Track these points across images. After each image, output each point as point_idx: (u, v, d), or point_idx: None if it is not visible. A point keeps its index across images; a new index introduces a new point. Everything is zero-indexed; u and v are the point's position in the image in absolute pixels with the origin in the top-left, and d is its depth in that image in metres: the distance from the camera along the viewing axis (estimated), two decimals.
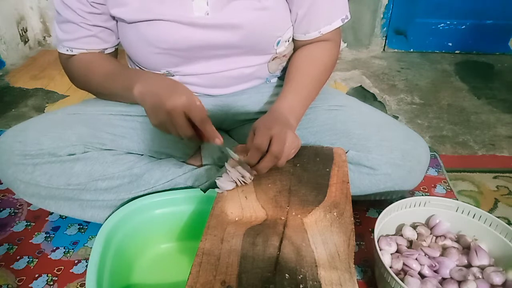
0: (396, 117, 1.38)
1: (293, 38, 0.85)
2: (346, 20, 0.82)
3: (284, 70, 0.91)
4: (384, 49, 1.94)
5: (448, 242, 0.75)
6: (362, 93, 1.55)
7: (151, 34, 0.76)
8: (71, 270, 0.78)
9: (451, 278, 0.69)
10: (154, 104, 0.66)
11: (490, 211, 0.95)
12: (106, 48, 0.83)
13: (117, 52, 0.88)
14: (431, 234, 0.77)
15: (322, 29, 0.81)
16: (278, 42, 0.82)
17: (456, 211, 0.77)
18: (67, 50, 0.81)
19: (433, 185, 1.02)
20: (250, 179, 0.69)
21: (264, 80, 0.90)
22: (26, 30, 1.86)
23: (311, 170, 0.72)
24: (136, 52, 0.81)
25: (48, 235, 0.87)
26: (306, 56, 0.83)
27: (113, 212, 0.76)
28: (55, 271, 0.78)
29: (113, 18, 0.79)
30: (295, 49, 0.87)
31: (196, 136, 0.67)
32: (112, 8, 0.75)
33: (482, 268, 0.70)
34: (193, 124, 0.65)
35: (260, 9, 0.75)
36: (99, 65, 0.80)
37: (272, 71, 0.88)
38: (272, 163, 0.66)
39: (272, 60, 0.86)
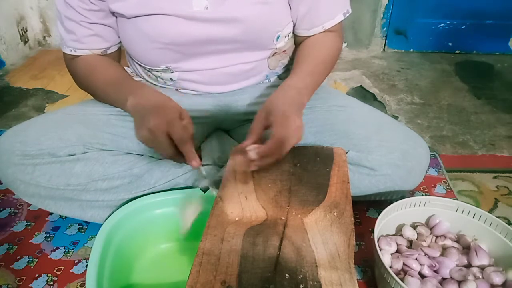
0: (396, 117, 1.38)
1: (295, 34, 0.85)
2: (347, 14, 0.83)
3: (285, 67, 0.91)
4: (384, 49, 1.94)
5: (448, 242, 0.75)
6: (362, 93, 1.55)
7: (151, 28, 0.76)
8: (71, 270, 0.78)
9: (451, 278, 0.69)
10: (139, 120, 0.68)
11: (490, 211, 0.95)
12: (109, 47, 0.83)
13: (120, 52, 0.88)
14: (431, 234, 0.77)
15: (325, 24, 0.82)
16: (278, 37, 0.82)
17: (456, 211, 0.77)
18: (71, 51, 0.81)
19: (433, 185, 1.02)
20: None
21: (264, 77, 0.90)
22: (26, 30, 1.86)
23: (311, 170, 0.72)
24: (135, 48, 0.81)
25: (48, 235, 0.87)
26: (312, 43, 0.83)
27: (113, 212, 0.76)
28: (55, 271, 0.78)
29: (113, 14, 0.79)
30: (297, 43, 0.87)
31: (178, 156, 0.67)
32: (111, 3, 0.76)
33: (482, 268, 0.70)
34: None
35: (260, 3, 0.75)
36: (101, 71, 0.81)
37: (272, 67, 0.89)
38: (277, 148, 0.65)
39: (272, 55, 0.86)
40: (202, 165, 0.86)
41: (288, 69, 0.92)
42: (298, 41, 0.87)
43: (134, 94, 0.73)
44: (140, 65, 0.87)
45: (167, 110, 0.66)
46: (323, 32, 0.83)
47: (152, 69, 0.84)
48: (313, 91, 0.80)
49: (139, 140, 0.68)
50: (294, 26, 0.84)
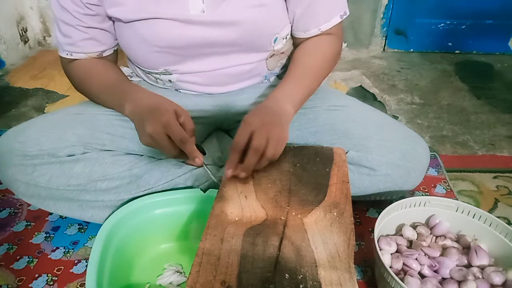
0: (396, 117, 1.38)
1: (293, 36, 0.85)
2: (344, 16, 0.82)
3: (284, 67, 0.91)
4: (384, 49, 1.94)
5: (448, 242, 0.75)
6: (362, 93, 1.55)
7: (148, 32, 0.76)
8: (71, 270, 0.78)
9: (451, 278, 0.69)
10: (139, 126, 0.70)
11: (490, 211, 0.95)
12: (104, 51, 0.83)
13: (117, 54, 0.88)
14: (431, 234, 0.77)
15: (322, 26, 0.81)
16: (276, 39, 0.81)
17: (456, 211, 0.77)
18: (67, 54, 0.81)
19: (433, 185, 1.02)
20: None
21: (263, 77, 0.90)
22: (26, 30, 1.86)
23: (311, 170, 0.72)
24: (134, 51, 0.81)
25: (48, 235, 0.87)
26: (306, 48, 0.83)
27: (113, 212, 0.76)
28: (55, 271, 0.78)
29: (110, 18, 0.79)
30: (296, 45, 0.87)
31: (183, 155, 0.69)
32: (108, 8, 0.76)
33: (482, 268, 0.70)
34: None
35: (256, 6, 0.75)
36: (96, 75, 0.81)
37: (271, 68, 0.88)
38: (256, 159, 0.66)
39: (270, 57, 0.86)
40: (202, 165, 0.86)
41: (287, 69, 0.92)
42: (296, 42, 0.86)
43: (130, 100, 0.74)
44: (139, 67, 0.87)
45: (161, 113, 0.66)
46: (320, 34, 0.82)
47: (151, 72, 0.85)
48: (305, 99, 0.80)
49: (145, 145, 0.69)
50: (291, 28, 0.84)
